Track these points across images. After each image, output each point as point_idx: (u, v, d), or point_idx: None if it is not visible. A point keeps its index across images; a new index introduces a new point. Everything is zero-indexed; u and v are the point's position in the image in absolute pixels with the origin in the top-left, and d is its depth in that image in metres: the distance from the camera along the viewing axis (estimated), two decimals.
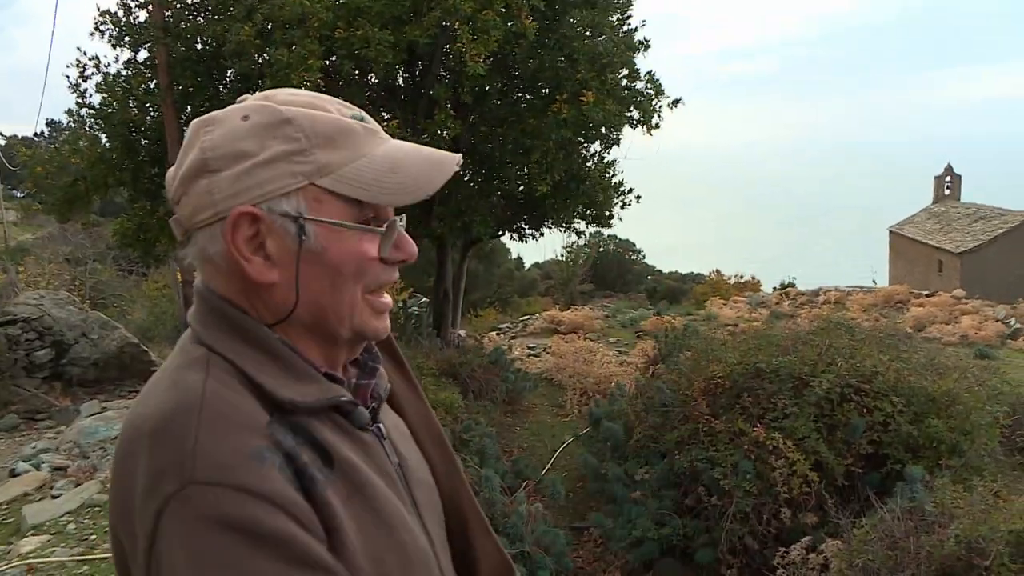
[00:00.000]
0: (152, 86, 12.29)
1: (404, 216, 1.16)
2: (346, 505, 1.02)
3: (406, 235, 1.14)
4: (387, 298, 1.16)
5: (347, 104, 1.14)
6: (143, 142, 12.85)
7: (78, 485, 7.24)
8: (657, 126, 11.38)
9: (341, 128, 1.07)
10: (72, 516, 6.44)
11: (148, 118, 12.60)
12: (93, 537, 6.06)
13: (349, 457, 1.07)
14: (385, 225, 1.09)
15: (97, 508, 6.58)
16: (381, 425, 1.20)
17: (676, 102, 11.56)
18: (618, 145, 12.24)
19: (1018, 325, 22.85)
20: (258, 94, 1.13)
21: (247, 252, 1.05)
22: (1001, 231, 35.83)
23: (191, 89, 11.65)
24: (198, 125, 1.09)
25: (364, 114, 1.14)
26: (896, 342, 7.40)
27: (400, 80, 11.66)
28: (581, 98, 10.00)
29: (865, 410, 5.96)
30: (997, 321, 22.86)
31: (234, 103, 1.12)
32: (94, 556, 5.70)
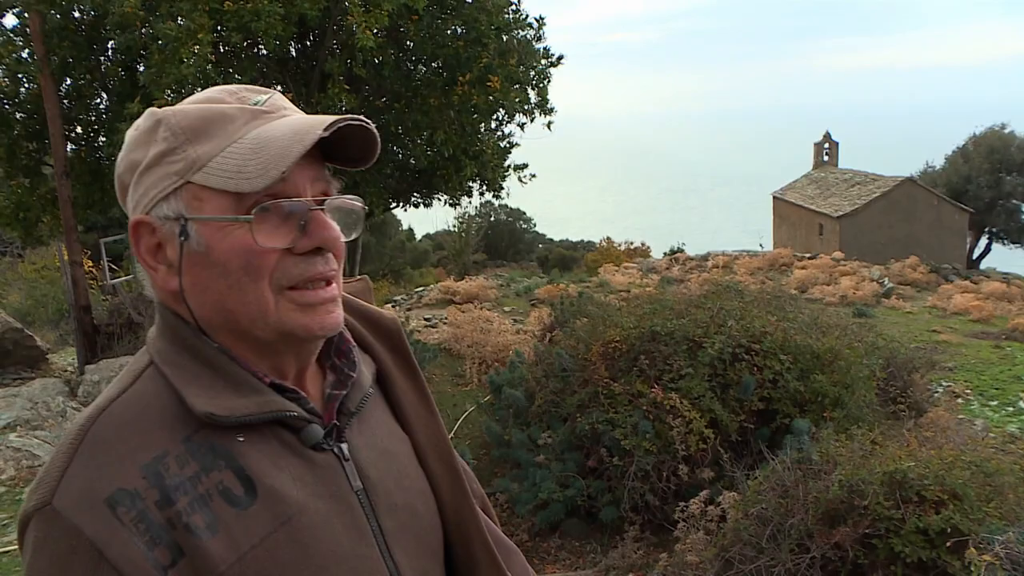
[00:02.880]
0: (25, 55, 11.75)
1: (327, 198, 1.07)
2: (265, 541, 0.98)
3: (321, 219, 1.04)
4: (322, 290, 1.05)
5: (257, 89, 1.09)
6: (18, 115, 12.30)
7: None
8: (552, 110, 11.65)
9: (212, 116, 1.02)
10: None
11: (22, 90, 12.06)
12: None
13: (278, 486, 1.01)
14: (254, 211, 0.99)
15: None
16: (344, 445, 1.11)
17: (559, 59, 11.79)
18: (520, 127, 12.43)
19: (891, 284, 24.07)
20: None
21: (152, 261, 1.06)
22: (875, 195, 37.56)
23: (70, 60, 11.19)
24: None
25: (271, 96, 1.08)
26: (783, 303, 7.76)
27: (292, 52, 11.51)
28: (488, 83, 10.12)
29: (755, 368, 6.25)
30: (873, 281, 24.05)
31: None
32: None
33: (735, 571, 4.70)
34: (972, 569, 3.29)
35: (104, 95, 12.53)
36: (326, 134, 0.99)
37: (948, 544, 3.88)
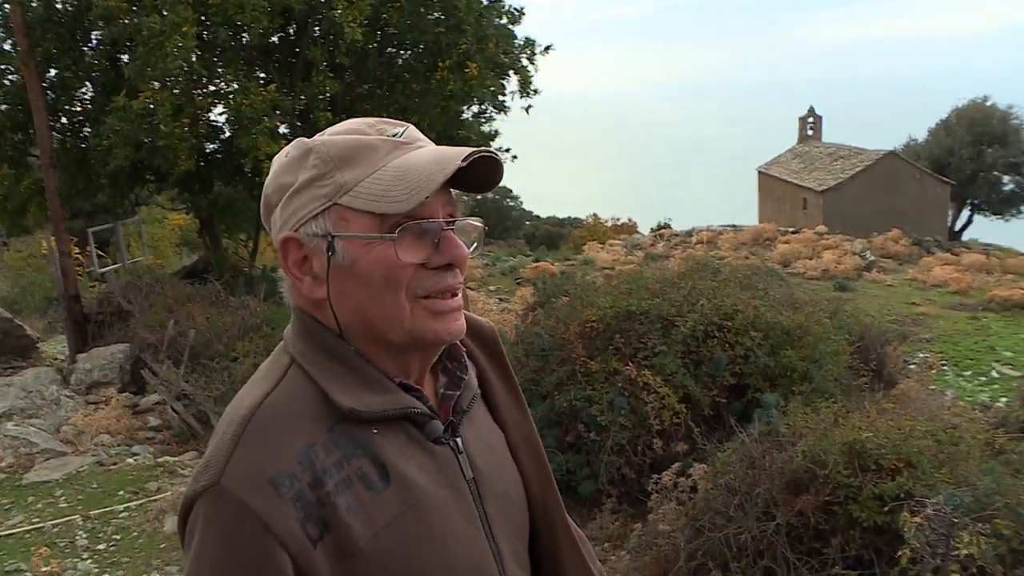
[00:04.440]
0: (8, 48, 11.81)
1: (455, 219, 1.19)
2: (395, 520, 1.12)
3: (452, 238, 1.16)
4: (451, 300, 1.18)
5: (393, 122, 1.21)
6: (2, 107, 12.39)
7: None
8: (536, 91, 11.84)
9: (358, 146, 1.15)
10: None
11: (6, 82, 12.14)
12: None
13: (408, 473, 1.15)
14: (398, 231, 1.12)
15: None
16: (459, 439, 1.24)
17: (548, 48, 11.99)
18: (503, 112, 12.63)
19: (872, 257, 24.33)
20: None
21: (298, 273, 1.19)
22: (858, 169, 37.74)
23: (54, 51, 11.23)
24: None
25: (407, 129, 1.21)
26: (755, 281, 7.96)
27: (275, 41, 11.56)
28: (466, 69, 10.26)
29: (727, 345, 6.47)
30: (855, 255, 24.30)
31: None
32: None
33: (705, 539, 4.92)
34: (905, 530, 3.51)
35: (89, 86, 12.58)
36: (464, 164, 1.13)
37: (887, 509, 4.12)
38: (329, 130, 1.20)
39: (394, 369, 1.20)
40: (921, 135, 43.31)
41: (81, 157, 12.56)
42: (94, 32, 11.41)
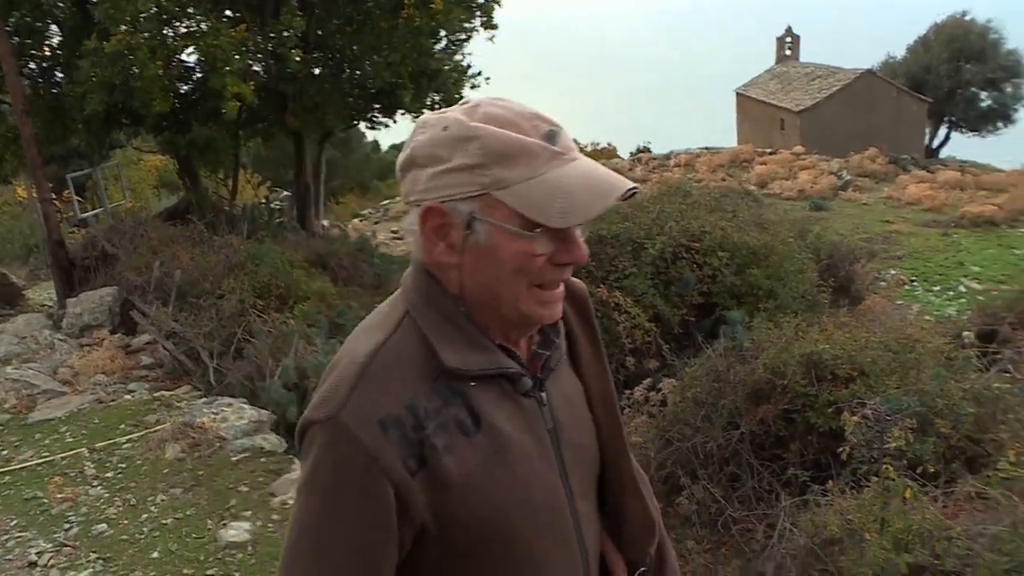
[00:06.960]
0: None
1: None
2: (484, 462, 1.26)
3: (577, 240, 1.27)
4: (557, 290, 1.31)
5: (547, 120, 1.28)
6: None
7: None
8: (496, 27, 11.97)
9: (519, 148, 1.23)
10: None
11: None
12: (4, 452, 6.33)
13: (498, 421, 1.29)
14: (537, 230, 1.22)
15: (1, 427, 6.80)
16: (544, 393, 1.38)
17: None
18: (469, 39, 12.74)
19: (848, 177, 24.54)
20: (470, 101, 1.32)
21: (434, 238, 1.29)
22: (835, 88, 37.63)
23: None
24: (417, 125, 1.33)
25: (558, 131, 1.27)
26: (725, 203, 8.17)
27: None
28: (431, 4, 10.29)
29: (695, 265, 6.71)
30: (831, 175, 24.50)
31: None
32: (11, 468, 6.01)
33: (674, 448, 5.22)
34: (846, 428, 3.79)
35: (56, 29, 12.44)
36: (621, 201, 1.25)
37: (829, 411, 4.43)
38: (486, 111, 1.27)
39: (496, 332, 1.33)
40: (900, 52, 43.14)
41: (55, 103, 12.49)
42: None
